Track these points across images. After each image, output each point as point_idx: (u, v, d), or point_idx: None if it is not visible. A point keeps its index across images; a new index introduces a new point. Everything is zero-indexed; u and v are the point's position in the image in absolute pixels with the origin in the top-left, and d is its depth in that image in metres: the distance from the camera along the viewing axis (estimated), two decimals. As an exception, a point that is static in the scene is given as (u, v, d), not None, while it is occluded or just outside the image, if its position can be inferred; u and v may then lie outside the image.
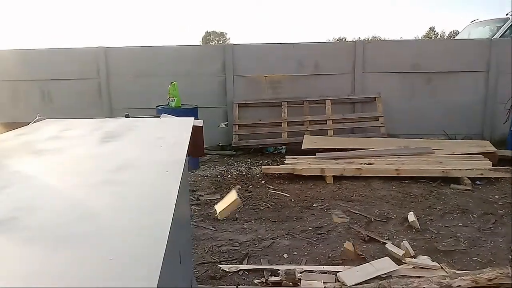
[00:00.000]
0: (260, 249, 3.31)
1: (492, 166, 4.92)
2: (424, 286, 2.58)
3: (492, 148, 5.42)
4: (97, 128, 1.82)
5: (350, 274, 2.77)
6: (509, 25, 8.05)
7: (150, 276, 0.59)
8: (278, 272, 2.80)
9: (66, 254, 0.67)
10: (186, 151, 1.34)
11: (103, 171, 1.14)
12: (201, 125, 2.30)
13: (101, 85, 6.75)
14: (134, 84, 6.69)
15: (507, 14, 8.37)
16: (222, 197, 4.52)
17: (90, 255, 0.66)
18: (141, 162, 1.26)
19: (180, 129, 1.75)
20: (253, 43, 6.93)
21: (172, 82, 5.67)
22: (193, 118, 2.11)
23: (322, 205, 4.24)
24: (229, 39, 56.83)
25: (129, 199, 0.93)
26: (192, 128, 2.03)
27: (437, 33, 45.92)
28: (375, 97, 6.41)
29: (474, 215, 3.87)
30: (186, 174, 1.73)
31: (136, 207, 0.89)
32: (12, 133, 1.81)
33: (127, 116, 2.52)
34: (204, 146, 6.61)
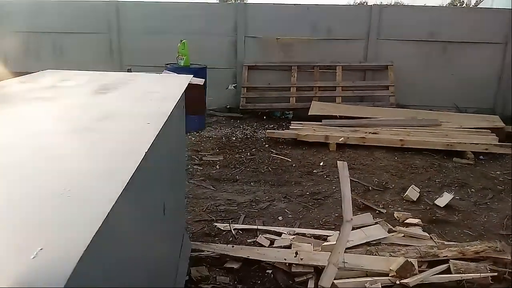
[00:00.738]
0: (257, 211, 3.41)
1: (499, 141, 4.87)
2: (411, 255, 2.66)
3: (500, 124, 5.35)
4: (95, 80, 1.87)
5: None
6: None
7: (97, 215, 0.63)
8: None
9: (25, 187, 0.75)
10: (173, 106, 1.37)
11: (86, 119, 1.20)
12: (202, 84, 2.33)
13: (112, 41, 6.74)
14: (145, 41, 6.65)
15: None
16: (225, 158, 4.63)
17: (45, 191, 0.73)
18: (126, 113, 1.31)
19: (174, 86, 1.78)
20: (267, 3, 6.76)
21: (181, 40, 5.63)
22: (192, 76, 2.13)
23: (322, 171, 4.29)
24: (247, -3, 55.37)
25: (101, 146, 0.99)
26: (190, 86, 2.06)
27: (462, 1, 43.86)
28: (387, 66, 6.29)
29: (472, 189, 3.89)
30: (178, 128, 1.77)
31: (104, 153, 0.94)
32: (15, 79, 1.88)
33: (129, 70, 2.55)
34: (212, 108, 6.66)
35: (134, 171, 0.79)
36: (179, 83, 1.84)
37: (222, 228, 3.07)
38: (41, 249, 0.54)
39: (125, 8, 6.65)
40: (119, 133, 1.09)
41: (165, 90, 1.66)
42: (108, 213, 0.64)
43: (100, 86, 1.72)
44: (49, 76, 1.99)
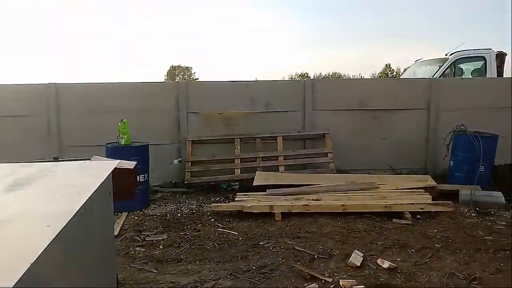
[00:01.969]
0: (201, 292, 3.27)
1: (433, 200, 5.15)
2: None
3: (432, 183, 5.69)
4: (11, 174, 1.80)
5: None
6: (448, 65, 8.67)
7: None
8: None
9: None
10: (84, 201, 1.35)
11: None
12: (132, 167, 2.31)
13: (51, 122, 6.61)
14: (86, 121, 6.60)
15: (446, 55, 9.02)
16: (169, 237, 4.49)
17: None
18: (29, 215, 1.27)
19: (96, 175, 1.76)
20: (207, 81, 7.07)
21: (122, 120, 5.64)
22: (119, 161, 2.12)
23: (269, 243, 4.26)
24: (194, 73, 57.33)
25: None
26: (118, 171, 2.04)
27: (392, 69, 48.34)
28: (324, 134, 6.64)
29: (412, 250, 4.01)
30: (100, 217, 1.72)
31: None
32: None
33: (55, 158, 2.49)
34: (156, 184, 6.54)
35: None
36: (103, 170, 1.83)
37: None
38: None
39: (64, 89, 6.63)
40: (6, 243, 1.04)
41: (83, 182, 1.63)
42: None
43: (14, 181, 1.66)
44: None
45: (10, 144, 6.33)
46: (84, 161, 2.48)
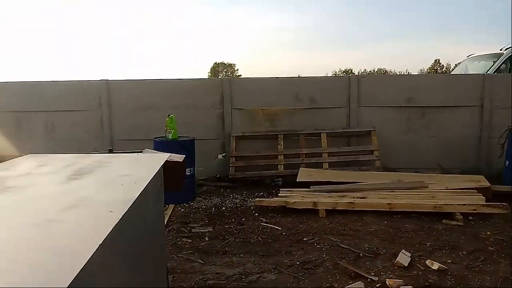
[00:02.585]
0: (246, 284, 3.32)
1: (486, 201, 4.92)
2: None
3: (486, 183, 5.43)
4: (71, 164, 1.91)
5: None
6: (503, 60, 8.20)
7: None
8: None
9: None
10: (141, 190, 1.41)
11: (50, 211, 1.22)
12: (181, 161, 2.39)
13: (103, 117, 6.93)
14: (135, 116, 6.86)
15: (501, 49, 8.54)
16: (214, 229, 4.58)
17: None
18: (92, 201, 1.34)
19: (149, 166, 1.83)
20: (250, 77, 7.12)
21: (169, 115, 5.81)
22: (169, 154, 2.20)
23: (313, 239, 4.24)
24: (237, 70, 57.90)
25: (51, 239, 1.00)
26: (168, 164, 2.11)
27: (442, 65, 46.41)
28: (370, 131, 6.50)
29: (463, 252, 3.86)
30: (154, 208, 1.79)
31: (52, 248, 0.94)
32: None
33: (110, 150, 2.61)
34: (202, 177, 6.70)
35: (78, 270, 0.80)
36: (155, 162, 1.90)
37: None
38: None
39: (115, 86, 6.94)
40: (75, 226, 1.10)
41: (138, 173, 1.71)
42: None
43: (75, 171, 1.77)
44: (27, 162, 2.04)
45: (67, 138, 6.72)
46: (136, 153, 2.59)
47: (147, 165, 1.94)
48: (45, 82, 7.14)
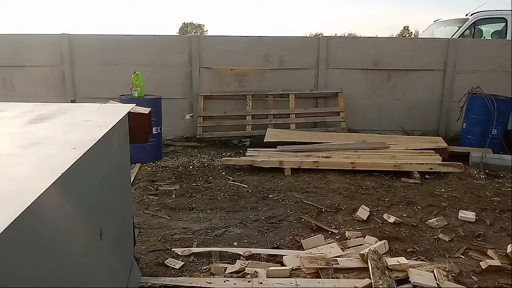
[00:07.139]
0: (212, 237, 3.41)
1: (443, 161, 5.17)
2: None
3: (444, 144, 5.69)
4: (33, 111, 1.87)
5: (293, 258, 2.91)
6: (468, 25, 8.39)
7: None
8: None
9: None
10: (104, 132, 1.41)
11: (12, 147, 1.21)
12: (146, 113, 2.37)
13: (65, 73, 6.66)
14: (99, 73, 6.63)
15: (466, 15, 8.71)
16: (181, 187, 4.62)
17: None
18: (54, 140, 1.33)
19: (113, 114, 1.81)
20: (220, 35, 6.98)
21: (135, 72, 5.66)
22: (134, 105, 2.17)
23: (278, 196, 4.37)
24: (206, 31, 56.33)
25: (18, 169, 1.01)
26: (133, 115, 2.09)
27: (410, 32, 46.89)
28: (337, 93, 6.59)
29: (418, 207, 4.09)
30: (119, 155, 1.79)
31: (19, 175, 0.96)
32: None
33: (73, 101, 2.54)
34: (169, 137, 6.65)
35: (41, 192, 0.82)
36: (119, 111, 1.88)
37: (180, 253, 3.05)
38: None
39: (77, 41, 6.63)
40: (39, 158, 1.11)
41: (101, 119, 1.69)
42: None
43: (36, 116, 1.73)
44: None
45: (27, 95, 6.42)
46: (101, 103, 2.55)
47: (111, 112, 1.92)
48: (2, 36, 6.72)
